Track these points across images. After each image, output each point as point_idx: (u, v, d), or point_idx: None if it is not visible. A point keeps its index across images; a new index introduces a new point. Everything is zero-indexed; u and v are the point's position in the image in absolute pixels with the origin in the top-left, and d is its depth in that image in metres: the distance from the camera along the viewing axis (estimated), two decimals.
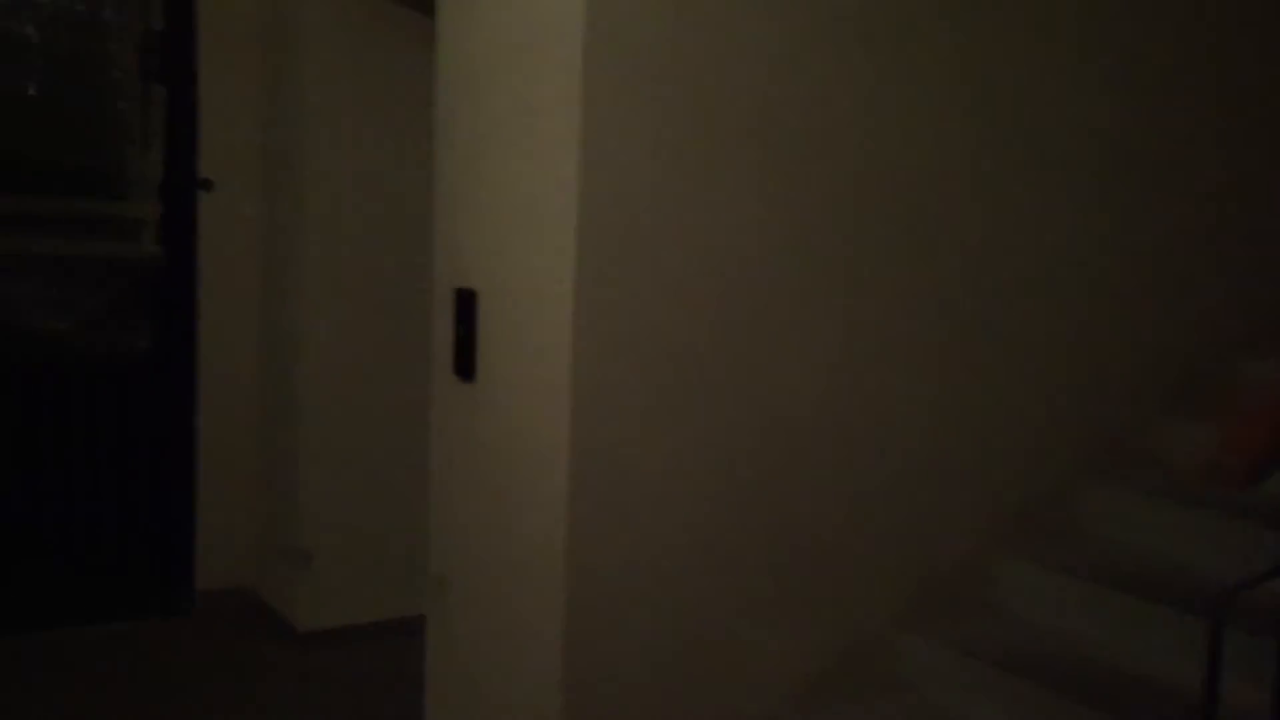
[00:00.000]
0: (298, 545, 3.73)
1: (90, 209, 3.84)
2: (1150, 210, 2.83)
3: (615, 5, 2.07)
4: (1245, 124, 2.97)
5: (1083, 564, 2.57)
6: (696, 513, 2.30)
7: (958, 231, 2.56)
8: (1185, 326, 2.92)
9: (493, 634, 2.43)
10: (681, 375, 2.25)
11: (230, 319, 3.96)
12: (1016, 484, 2.73)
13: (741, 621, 2.38)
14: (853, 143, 2.38)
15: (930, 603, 2.60)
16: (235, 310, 3.96)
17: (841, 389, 2.45)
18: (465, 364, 2.50)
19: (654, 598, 2.28)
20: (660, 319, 2.22)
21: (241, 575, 4.06)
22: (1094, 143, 2.72)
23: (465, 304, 2.49)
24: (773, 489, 2.39)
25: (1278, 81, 3.00)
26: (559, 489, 2.18)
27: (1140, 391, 2.88)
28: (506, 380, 2.37)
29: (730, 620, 2.37)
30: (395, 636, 3.57)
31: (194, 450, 3.97)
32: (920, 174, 2.49)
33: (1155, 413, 2.87)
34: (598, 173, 2.10)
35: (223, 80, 3.84)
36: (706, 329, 2.27)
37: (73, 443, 3.85)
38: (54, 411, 3.81)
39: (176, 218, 3.85)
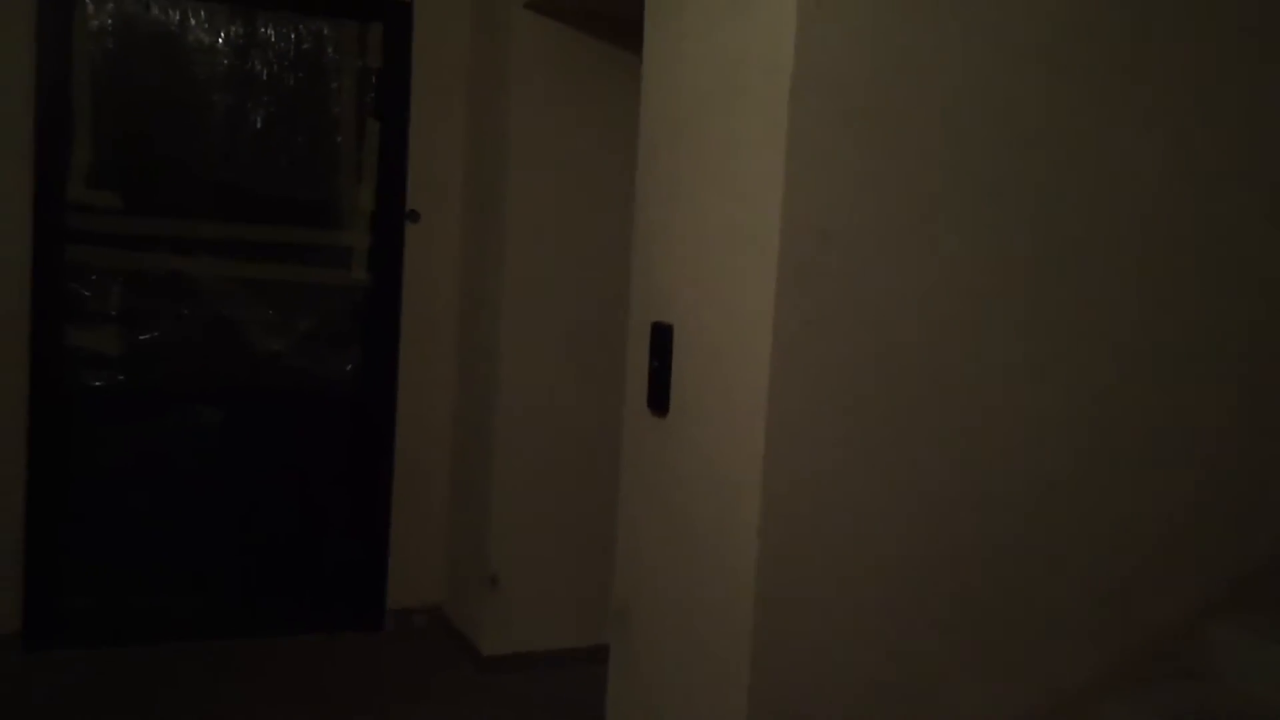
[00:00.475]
0: (486, 569, 3.82)
1: (307, 238, 4.05)
2: None
3: (822, 44, 2.06)
4: None
5: None
6: (890, 555, 2.24)
7: (1179, 275, 2.43)
8: None
9: (677, 666, 2.42)
10: (880, 414, 2.20)
11: (430, 345, 4.10)
12: (1232, 544, 2.56)
13: (932, 669, 2.30)
14: (1062, 178, 2.29)
15: (1134, 668, 2.46)
16: (435, 337, 4.11)
17: (1046, 438, 2.35)
18: (659, 397, 2.51)
19: (845, 638, 2.23)
20: (859, 355, 2.17)
21: (431, 595, 4.18)
22: None
23: (661, 338, 2.50)
24: (971, 535, 2.30)
25: None
26: (750, 523, 2.16)
27: None
28: (701, 414, 2.37)
29: (921, 667, 2.29)
30: (578, 664, 3.60)
31: (391, 469, 4.12)
32: (1137, 213, 2.37)
33: None
34: (800, 208, 2.09)
35: (431, 115, 4.00)
36: (907, 367, 2.21)
37: (279, 456, 4.05)
38: (264, 426, 4.02)
39: (384, 247, 4.03)
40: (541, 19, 3.55)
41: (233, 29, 3.83)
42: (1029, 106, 2.24)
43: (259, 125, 3.90)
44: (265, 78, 3.89)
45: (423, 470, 4.15)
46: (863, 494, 2.21)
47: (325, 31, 3.94)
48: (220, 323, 3.91)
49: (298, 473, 4.08)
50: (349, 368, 4.07)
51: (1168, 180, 2.39)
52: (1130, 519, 2.44)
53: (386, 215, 4.03)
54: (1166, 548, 2.49)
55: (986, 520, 2.32)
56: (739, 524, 2.19)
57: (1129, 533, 2.45)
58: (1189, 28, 2.36)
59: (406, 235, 4.04)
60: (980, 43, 2.19)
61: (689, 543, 2.39)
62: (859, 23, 2.08)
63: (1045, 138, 2.26)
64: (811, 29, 2.04)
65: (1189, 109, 2.38)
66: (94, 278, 3.75)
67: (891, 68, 2.12)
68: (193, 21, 3.80)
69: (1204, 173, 2.41)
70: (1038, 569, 2.37)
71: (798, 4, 2.02)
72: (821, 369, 2.15)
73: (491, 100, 3.80)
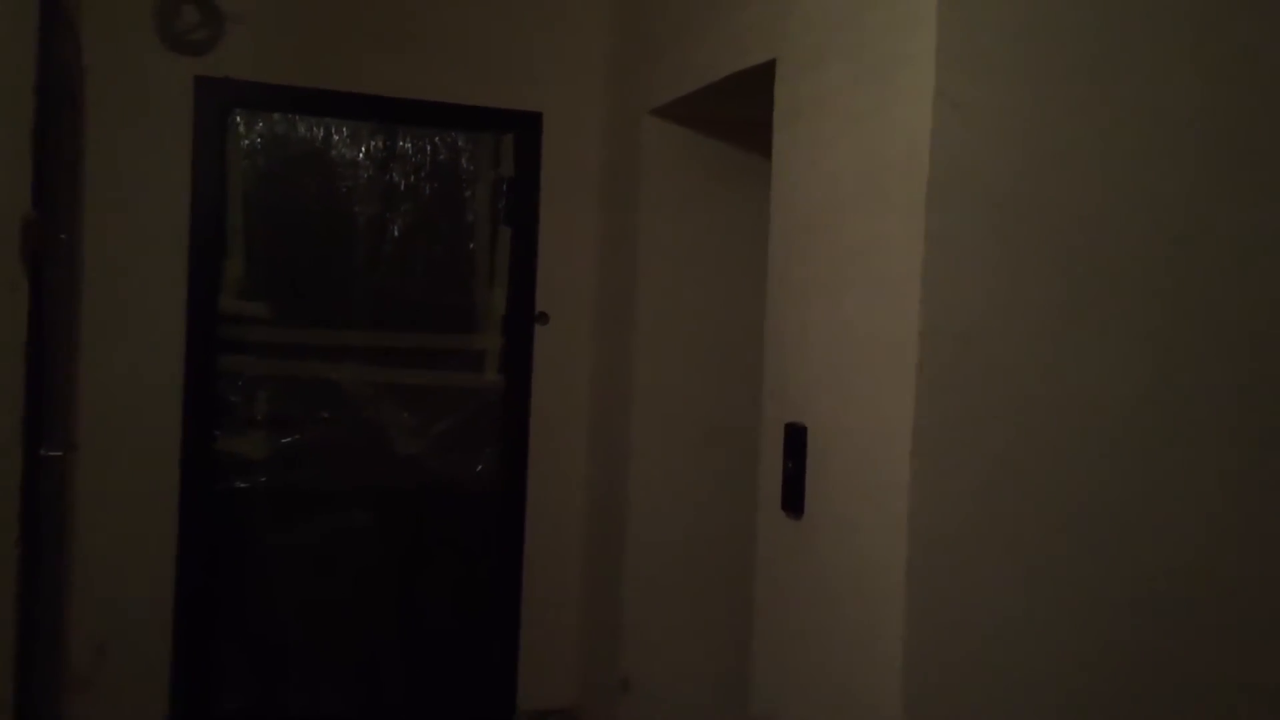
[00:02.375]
0: (617, 672, 3.78)
1: (443, 342, 4.15)
2: None
3: (960, 145, 2.05)
4: None
5: None
6: (1041, 667, 2.15)
7: None
8: None
9: None
10: (1033, 522, 2.13)
11: (561, 445, 4.14)
12: None
13: None
14: (1216, 279, 2.22)
15: None
16: (566, 437, 4.14)
17: (1196, 541, 2.24)
18: (794, 500, 2.48)
19: None
20: (1007, 459, 2.11)
21: (563, 698, 4.15)
22: None
23: (795, 439, 2.48)
24: (1126, 642, 2.19)
25: None
26: (894, 634, 2.10)
27: None
28: (837, 518, 2.33)
29: None
30: None
31: (520, 569, 4.14)
32: None
33: None
34: (938, 311, 2.06)
35: (562, 220, 4.09)
36: (1061, 472, 2.14)
37: (416, 554, 4.10)
38: (398, 525, 4.09)
39: (515, 349, 4.10)
40: (668, 124, 3.62)
41: (373, 143, 4.00)
42: (1185, 203, 2.18)
43: (398, 235, 4.04)
44: (404, 189, 4.03)
45: (554, 570, 4.16)
46: (1010, 605, 2.13)
47: (460, 143, 4.08)
48: (361, 426, 4.02)
49: (431, 572, 4.13)
50: (479, 468, 4.12)
51: None
52: None
53: (517, 318, 4.11)
54: None
55: (1142, 626, 2.21)
56: (883, 642, 2.13)
57: None
58: None
59: (536, 337, 4.11)
60: (1136, 136, 2.15)
61: (829, 656, 2.33)
62: (998, 122, 2.07)
63: (1198, 236, 2.19)
64: (948, 131, 2.04)
65: None
66: (240, 384, 3.89)
67: (1032, 167, 2.10)
68: (336, 137, 3.97)
69: None
70: (1204, 674, 2.25)
71: (933, 106, 2.02)
72: (962, 475, 2.10)
73: (620, 204, 3.87)
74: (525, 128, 4.07)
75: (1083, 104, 2.11)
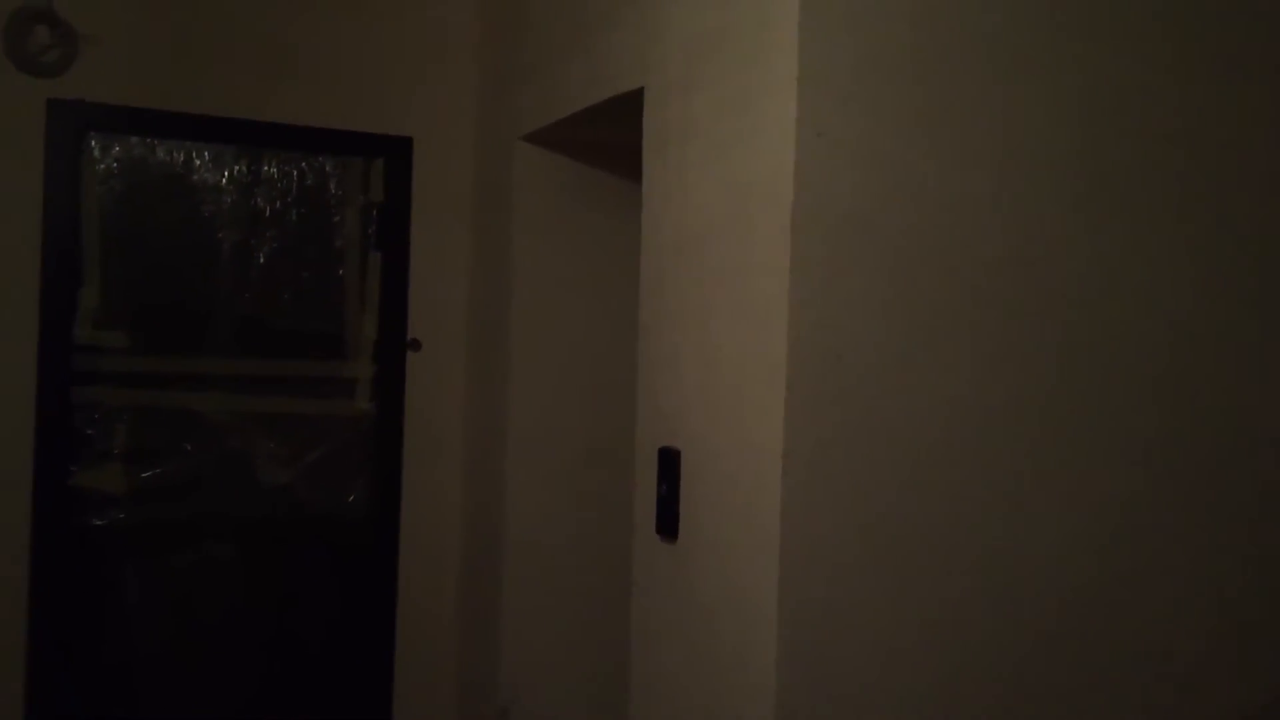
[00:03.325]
0: (496, 703, 3.74)
1: (312, 370, 4.07)
2: None
3: (824, 170, 2.10)
4: None
5: None
6: (914, 682, 2.20)
7: (1204, 397, 2.42)
8: None
9: None
10: (904, 539, 2.18)
11: (435, 473, 4.09)
12: (1271, 665, 2.51)
13: None
14: (1082, 296, 2.31)
15: None
16: (441, 465, 4.09)
17: (1069, 560, 2.32)
18: (668, 522, 2.49)
19: None
20: (877, 477, 2.16)
21: None
22: None
23: (668, 462, 2.50)
24: (998, 659, 2.25)
25: None
26: (767, 656, 2.13)
27: None
28: (711, 541, 2.35)
29: None
30: None
31: (394, 600, 4.07)
32: (1163, 334, 2.37)
33: None
34: (807, 332, 2.10)
35: (433, 246, 4.06)
36: (927, 492, 2.20)
37: (285, 588, 4.00)
38: (271, 559, 3.99)
39: (388, 376, 4.04)
40: (540, 150, 3.63)
41: (238, 168, 3.91)
42: (1043, 223, 2.27)
43: (264, 261, 3.95)
44: (270, 214, 3.95)
45: (430, 601, 4.10)
46: (884, 621, 2.18)
47: (329, 168, 4.02)
48: (227, 456, 3.91)
49: (301, 606, 4.02)
50: (351, 498, 4.05)
51: (1195, 299, 2.40)
52: (1174, 652, 2.39)
53: (388, 344, 4.05)
54: (1216, 673, 2.44)
55: (1013, 644, 2.27)
56: (757, 653, 2.15)
57: (1162, 647, 2.40)
58: (1204, 156, 2.40)
59: (409, 363, 4.06)
60: (989, 163, 2.23)
61: (706, 675, 2.35)
62: (858, 150, 2.12)
63: (1055, 260, 2.28)
64: (811, 158, 2.08)
65: (1214, 225, 2.40)
66: (98, 416, 3.75)
67: (891, 193, 2.16)
68: (198, 162, 3.87)
69: (1233, 290, 2.42)
70: (1071, 688, 2.32)
71: (796, 135, 2.07)
72: (836, 493, 2.14)
73: (493, 230, 3.86)
74: (395, 152, 4.03)
75: (938, 132, 2.18)
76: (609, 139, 3.43)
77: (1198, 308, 2.41)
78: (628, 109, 2.80)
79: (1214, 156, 2.41)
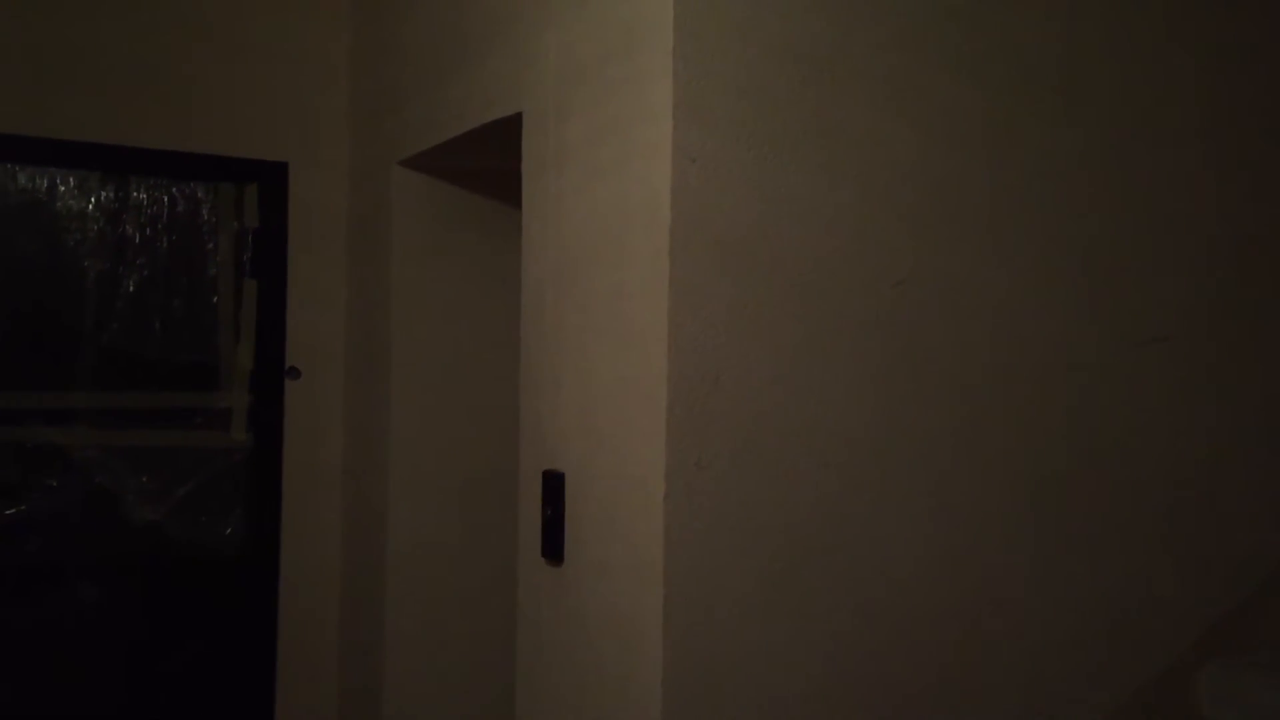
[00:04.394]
0: None
1: (185, 401, 3.95)
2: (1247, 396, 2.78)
3: (699, 195, 2.13)
4: None
5: None
6: (799, 699, 2.23)
7: (1052, 407, 2.53)
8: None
9: None
10: (782, 560, 2.22)
11: (316, 505, 4.01)
12: (1134, 667, 2.61)
13: None
14: (934, 318, 2.39)
15: None
16: (321, 496, 4.01)
17: (951, 579, 2.39)
18: (553, 546, 2.49)
19: None
20: (757, 496, 2.20)
21: None
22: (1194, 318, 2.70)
23: (552, 486, 2.50)
24: (882, 675, 2.31)
25: None
26: (653, 674, 2.13)
27: (1247, 568, 2.77)
28: (595, 564, 2.36)
29: None
30: None
31: (274, 633, 3.97)
32: (1011, 350, 2.47)
33: (1268, 587, 2.75)
34: (686, 354, 2.13)
35: (310, 273, 3.99)
36: (808, 511, 2.24)
37: (158, 627, 3.87)
38: (143, 598, 3.85)
39: (265, 406, 3.95)
40: (418, 175, 3.60)
41: (104, 194, 3.79)
42: (913, 244, 2.34)
43: (133, 290, 3.83)
44: (139, 241, 3.84)
45: (311, 635, 4.00)
46: (768, 640, 2.21)
47: (200, 194, 3.93)
48: (95, 493, 3.77)
49: (176, 645, 3.89)
50: (228, 532, 3.94)
51: (1053, 314, 2.50)
52: (1031, 649, 2.48)
53: (265, 374, 3.96)
54: (1070, 672, 2.53)
55: (895, 659, 2.33)
56: (641, 676, 2.16)
57: (1032, 662, 2.48)
58: (1047, 184, 2.51)
59: (287, 393, 3.98)
60: (861, 186, 2.29)
61: (590, 695, 2.35)
62: (733, 175, 2.16)
63: (918, 277, 2.35)
64: (687, 183, 2.11)
65: (1046, 244, 2.51)
66: None
67: (766, 216, 2.20)
68: (62, 188, 3.74)
69: (1066, 305, 2.53)
70: (946, 698, 2.39)
71: (672, 160, 2.10)
72: (718, 512, 2.17)
73: (372, 256, 3.81)
74: (269, 177, 3.96)
75: (810, 157, 2.24)
76: (489, 164, 3.43)
77: (1055, 323, 2.51)
78: (506, 134, 2.80)
79: (1077, 178, 2.53)
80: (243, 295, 3.98)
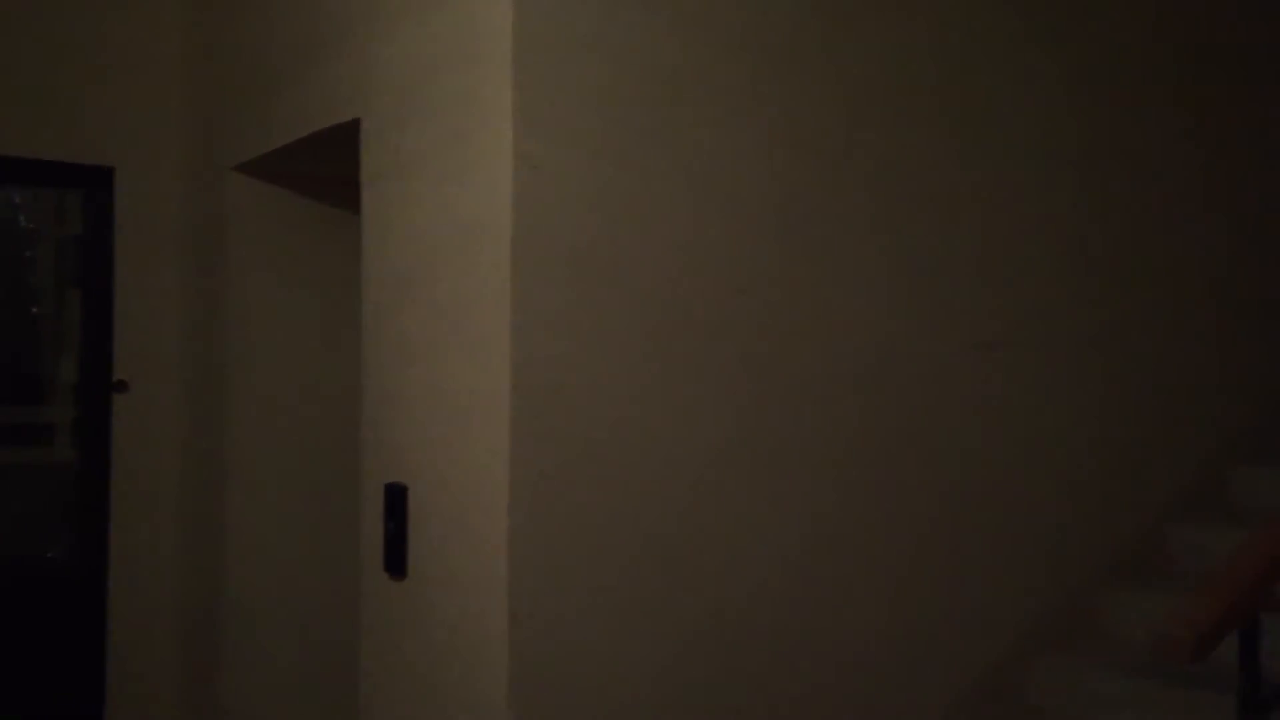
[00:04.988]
0: None
1: (5, 416, 3.75)
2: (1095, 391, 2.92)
3: (541, 204, 2.12)
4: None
5: None
6: (646, 714, 2.24)
7: (894, 409, 2.60)
8: (1113, 492, 2.97)
9: None
10: (629, 569, 2.23)
11: (146, 522, 3.84)
12: (967, 661, 2.71)
13: None
14: (778, 322, 2.43)
15: None
16: (151, 513, 3.85)
17: (798, 580, 2.44)
18: (396, 560, 2.45)
19: None
20: (603, 510, 2.20)
21: None
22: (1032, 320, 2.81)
23: (395, 499, 2.45)
24: (725, 676, 2.34)
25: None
26: (498, 687, 2.12)
27: (1089, 562, 2.90)
28: (440, 577, 2.32)
29: None
30: None
31: (104, 658, 3.79)
32: (857, 354, 2.54)
33: (1105, 584, 2.89)
34: (529, 364, 2.12)
35: (139, 282, 3.83)
36: (654, 520, 2.25)
37: None
38: None
39: (91, 420, 3.77)
40: (255, 181, 3.49)
41: None
42: (751, 252, 2.38)
43: None
44: None
45: (144, 656, 3.83)
46: (615, 649, 2.21)
47: (17, 200, 3.73)
48: None
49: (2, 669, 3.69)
50: (50, 553, 3.75)
51: (872, 321, 2.57)
52: (877, 652, 2.55)
53: (91, 387, 3.78)
54: (912, 672, 2.61)
55: (742, 664, 2.36)
56: (487, 689, 2.14)
57: (876, 663, 2.55)
58: (884, 196, 2.58)
59: (116, 407, 3.80)
60: (700, 196, 2.32)
61: (435, 708, 2.31)
62: (577, 184, 2.16)
63: (760, 285, 2.40)
64: (529, 192, 2.11)
65: (884, 253, 2.59)
66: None
67: (610, 225, 2.21)
68: None
69: (904, 313, 2.61)
70: (790, 707, 2.43)
71: (513, 168, 2.09)
72: (564, 522, 2.16)
73: (208, 263, 3.68)
74: (94, 183, 3.78)
75: (653, 166, 2.26)
76: (329, 171, 3.35)
77: (894, 330, 2.59)
78: (346, 140, 2.74)
79: (914, 191, 2.61)
80: (65, 305, 3.79)
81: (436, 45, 2.32)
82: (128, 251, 3.81)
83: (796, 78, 2.44)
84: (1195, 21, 3.20)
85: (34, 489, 3.74)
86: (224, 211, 3.52)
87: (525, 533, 2.12)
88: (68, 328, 3.80)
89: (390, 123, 2.49)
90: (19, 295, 3.75)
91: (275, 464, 3.59)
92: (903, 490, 2.59)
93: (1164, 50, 3.12)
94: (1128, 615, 2.80)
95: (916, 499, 2.61)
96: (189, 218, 3.83)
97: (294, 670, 3.61)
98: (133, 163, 3.81)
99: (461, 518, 2.25)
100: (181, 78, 3.88)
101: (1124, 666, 2.61)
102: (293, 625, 3.61)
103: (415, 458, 2.42)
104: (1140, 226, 3.05)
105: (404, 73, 2.44)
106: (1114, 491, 2.96)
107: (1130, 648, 2.70)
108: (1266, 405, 3.26)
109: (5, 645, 3.71)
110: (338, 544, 3.53)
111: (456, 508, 2.27)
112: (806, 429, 2.46)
